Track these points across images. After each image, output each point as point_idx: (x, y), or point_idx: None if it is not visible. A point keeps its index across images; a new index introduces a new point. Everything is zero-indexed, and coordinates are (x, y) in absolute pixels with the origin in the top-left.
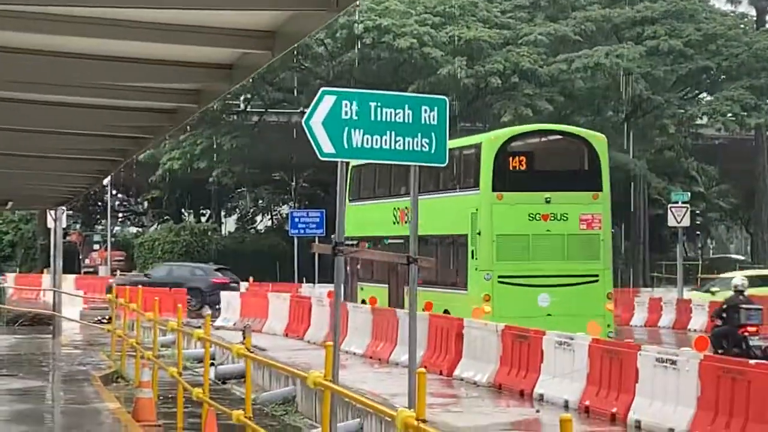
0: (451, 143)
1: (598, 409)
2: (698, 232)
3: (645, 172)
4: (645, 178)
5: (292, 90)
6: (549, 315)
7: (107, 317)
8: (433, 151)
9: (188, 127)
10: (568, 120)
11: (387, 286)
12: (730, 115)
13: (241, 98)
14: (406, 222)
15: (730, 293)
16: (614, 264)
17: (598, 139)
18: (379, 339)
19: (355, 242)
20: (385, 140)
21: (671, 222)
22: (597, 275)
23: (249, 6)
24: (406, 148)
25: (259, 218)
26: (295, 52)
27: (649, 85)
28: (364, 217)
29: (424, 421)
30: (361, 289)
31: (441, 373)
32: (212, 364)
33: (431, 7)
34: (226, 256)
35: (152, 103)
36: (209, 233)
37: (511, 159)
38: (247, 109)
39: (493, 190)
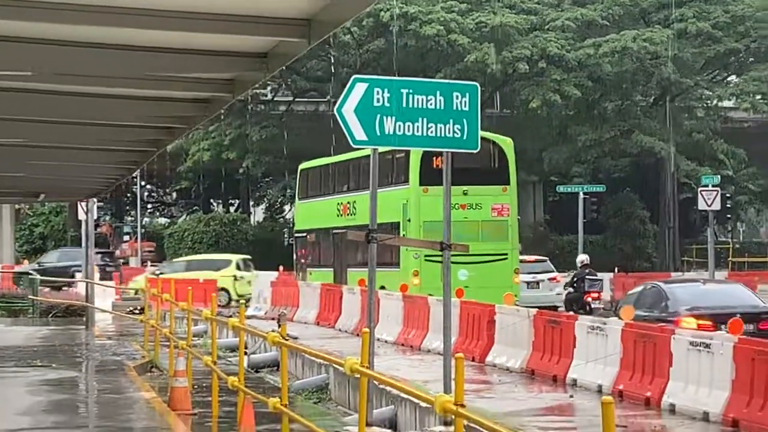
0: (383, 149)
1: (632, 393)
2: (728, 216)
3: (674, 156)
4: (674, 161)
5: (320, 79)
6: (467, 287)
7: (139, 308)
8: (465, 137)
9: (219, 117)
10: (597, 105)
11: (332, 269)
12: (759, 97)
13: (269, 88)
14: (348, 214)
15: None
16: (645, 249)
17: (506, 143)
18: (411, 326)
19: (304, 234)
20: (417, 127)
21: (701, 206)
22: (506, 254)
23: None
24: (438, 134)
25: (287, 207)
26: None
27: (677, 69)
28: (313, 212)
29: (462, 405)
30: (310, 273)
31: (473, 360)
32: (245, 353)
33: None
34: (255, 245)
35: (186, 93)
36: (238, 223)
37: (434, 159)
38: (275, 99)
39: (420, 184)
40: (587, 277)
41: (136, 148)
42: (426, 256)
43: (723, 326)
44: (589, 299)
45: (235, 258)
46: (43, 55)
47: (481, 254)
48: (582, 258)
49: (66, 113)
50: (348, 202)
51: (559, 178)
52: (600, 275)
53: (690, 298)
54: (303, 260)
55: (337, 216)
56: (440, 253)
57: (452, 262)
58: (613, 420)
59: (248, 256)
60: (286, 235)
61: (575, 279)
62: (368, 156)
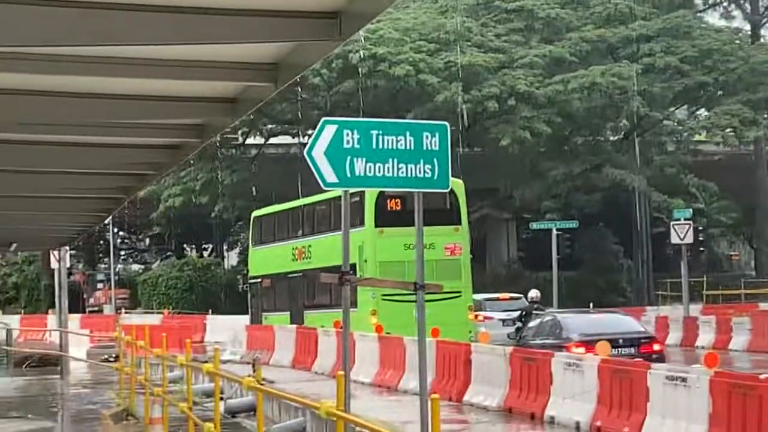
0: (337, 192)
1: (610, 429)
2: (702, 249)
3: (645, 190)
4: (646, 195)
5: (291, 121)
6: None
7: (114, 355)
8: (435, 177)
9: (189, 162)
10: (567, 141)
11: (288, 313)
12: (729, 130)
13: (239, 132)
14: (303, 258)
15: None
16: (619, 283)
17: (457, 184)
18: (387, 367)
19: (259, 279)
20: (388, 168)
21: (674, 239)
22: (460, 292)
23: (251, 39)
24: (409, 174)
25: None
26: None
27: (647, 103)
28: (267, 258)
29: None
30: (266, 318)
31: (450, 399)
32: (221, 399)
33: (426, 34)
34: (229, 289)
35: (155, 139)
36: (212, 267)
37: (388, 201)
38: (246, 143)
39: (376, 226)
40: (534, 311)
41: (107, 195)
42: (383, 295)
43: (614, 350)
44: None
45: None
46: (8, 105)
47: (436, 293)
48: (532, 294)
49: (34, 162)
50: (303, 247)
51: (531, 215)
52: (550, 309)
53: (580, 326)
54: (259, 305)
55: (292, 260)
56: (398, 292)
57: (409, 301)
58: None
59: None
60: (240, 282)
61: (523, 313)
62: (320, 201)
